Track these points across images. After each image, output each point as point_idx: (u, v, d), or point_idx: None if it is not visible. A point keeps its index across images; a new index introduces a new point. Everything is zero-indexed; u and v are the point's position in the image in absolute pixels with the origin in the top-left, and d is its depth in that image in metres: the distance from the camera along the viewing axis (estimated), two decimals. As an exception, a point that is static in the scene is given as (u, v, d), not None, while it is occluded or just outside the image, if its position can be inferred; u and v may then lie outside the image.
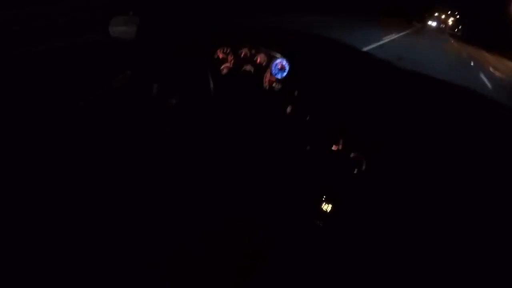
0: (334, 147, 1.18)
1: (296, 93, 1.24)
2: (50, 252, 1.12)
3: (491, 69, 13.58)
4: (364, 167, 1.15)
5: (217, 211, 1.34)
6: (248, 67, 1.38)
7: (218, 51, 1.43)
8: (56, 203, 1.24)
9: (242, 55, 1.39)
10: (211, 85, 1.41)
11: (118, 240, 1.20)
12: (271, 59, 1.32)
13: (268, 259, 1.20)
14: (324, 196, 1.25)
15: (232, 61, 1.41)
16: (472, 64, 13.33)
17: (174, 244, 1.24)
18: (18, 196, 1.21)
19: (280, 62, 1.29)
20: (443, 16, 70.07)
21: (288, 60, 1.28)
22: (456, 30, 59.45)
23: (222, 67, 1.43)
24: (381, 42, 9.61)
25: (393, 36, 12.42)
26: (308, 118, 1.21)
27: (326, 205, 1.25)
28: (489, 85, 9.05)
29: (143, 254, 1.18)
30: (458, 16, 63.76)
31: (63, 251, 1.13)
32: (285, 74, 1.28)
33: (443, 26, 64.24)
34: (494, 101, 1.16)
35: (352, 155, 1.16)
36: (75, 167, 1.33)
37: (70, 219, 1.21)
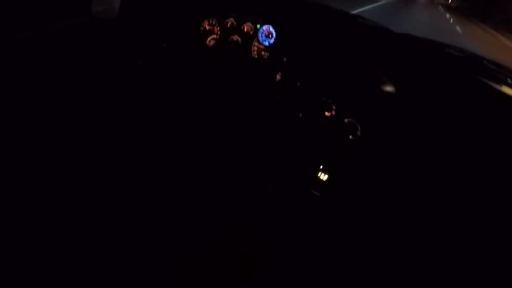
0: (327, 114, 1.14)
1: (284, 59, 1.19)
2: (48, 252, 1.11)
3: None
4: (359, 133, 1.11)
5: (213, 192, 1.32)
6: (235, 37, 1.32)
7: (204, 22, 1.37)
8: (48, 196, 1.22)
9: (228, 25, 1.34)
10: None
11: (115, 238, 1.19)
12: (257, 27, 1.26)
13: (267, 256, 1.18)
14: (320, 165, 1.22)
15: (219, 32, 1.36)
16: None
17: (173, 243, 1.22)
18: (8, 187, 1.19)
19: (267, 28, 1.23)
20: None
21: (275, 26, 1.22)
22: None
23: (209, 39, 1.37)
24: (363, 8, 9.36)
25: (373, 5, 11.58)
26: (298, 84, 1.16)
27: (323, 174, 1.22)
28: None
29: (143, 254, 1.16)
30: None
31: (61, 250, 1.12)
32: (272, 40, 1.23)
33: None
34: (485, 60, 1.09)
35: (346, 121, 1.12)
36: (66, 158, 1.30)
37: (64, 216, 1.20)
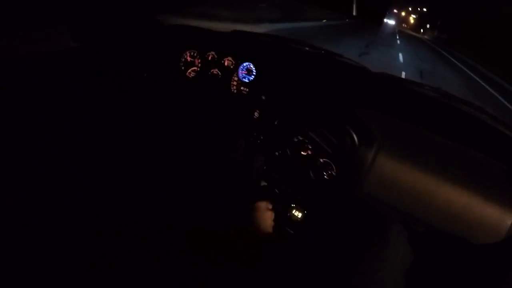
0: (303, 153, 1.15)
1: (263, 97, 1.21)
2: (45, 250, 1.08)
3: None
4: (333, 173, 1.13)
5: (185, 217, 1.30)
6: (216, 71, 1.33)
7: (185, 54, 1.38)
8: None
9: (209, 58, 1.35)
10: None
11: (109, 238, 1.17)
12: (238, 62, 1.28)
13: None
14: (294, 203, 1.23)
15: (200, 64, 1.37)
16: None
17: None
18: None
19: (247, 66, 1.26)
20: (403, 13, 57.38)
21: (255, 64, 1.24)
22: (422, 31, 46.11)
23: (189, 70, 1.38)
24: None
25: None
26: (276, 123, 1.18)
27: (297, 212, 1.23)
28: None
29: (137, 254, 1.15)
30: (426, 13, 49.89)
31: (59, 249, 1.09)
32: (252, 78, 1.25)
33: (405, 26, 52.15)
34: None
35: (321, 160, 1.14)
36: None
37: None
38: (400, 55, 11.58)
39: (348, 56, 1.42)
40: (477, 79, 12.24)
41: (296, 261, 1.18)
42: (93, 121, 1.35)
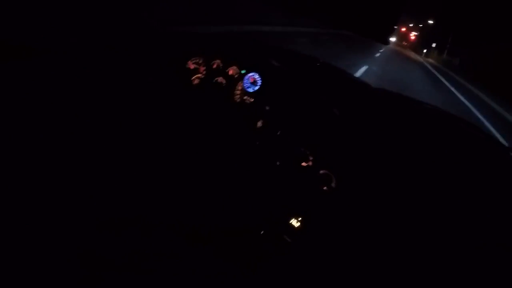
0: (303, 164, 1.18)
1: (267, 108, 1.23)
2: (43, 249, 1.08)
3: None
4: (333, 184, 1.16)
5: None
6: (220, 79, 1.36)
7: (189, 62, 1.40)
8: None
9: (214, 66, 1.37)
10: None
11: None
12: (243, 72, 1.31)
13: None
14: (293, 213, 1.25)
15: (204, 72, 1.39)
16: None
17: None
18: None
19: (252, 76, 1.28)
20: (403, 29, 48.47)
21: (261, 75, 1.27)
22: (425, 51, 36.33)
23: (193, 77, 1.40)
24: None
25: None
26: (278, 133, 1.20)
27: (295, 221, 1.25)
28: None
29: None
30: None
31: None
32: (257, 88, 1.27)
33: (405, 44, 44.57)
34: None
35: (321, 172, 1.17)
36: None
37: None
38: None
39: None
40: None
41: (292, 271, 1.21)
42: (96, 123, 1.36)
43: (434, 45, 31.81)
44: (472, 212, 1.03)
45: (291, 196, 1.24)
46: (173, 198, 1.32)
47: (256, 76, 1.28)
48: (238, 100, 1.32)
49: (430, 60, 28.93)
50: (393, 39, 41.78)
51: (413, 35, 46.38)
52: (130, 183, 1.31)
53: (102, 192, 1.27)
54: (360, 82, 1.35)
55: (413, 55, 30.86)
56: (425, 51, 34.30)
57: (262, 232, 1.25)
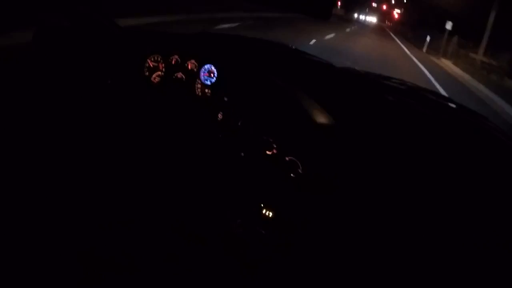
0: (268, 152, 1.15)
1: (225, 99, 1.20)
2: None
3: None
4: (300, 170, 1.12)
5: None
6: (180, 74, 1.32)
7: (148, 60, 1.37)
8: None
9: (173, 62, 1.34)
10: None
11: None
12: (200, 65, 1.27)
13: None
14: (264, 203, 1.22)
15: (164, 69, 1.36)
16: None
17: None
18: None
19: (208, 68, 1.25)
20: (384, 6, 35.78)
21: (216, 66, 1.23)
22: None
23: (154, 75, 1.37)
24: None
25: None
26: (239, 124, 1.17)
27: (267, 211, 1.22)
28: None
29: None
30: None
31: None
32: (214, 80, 1.24)
33: (389, 24, 32.80)
34: None
35: (287, 159, 1.13)
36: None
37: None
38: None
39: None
40: None
41: (267, 262, 1.18)
42: (60, 126, 1.35)
43: (449, 26, 14.89)
44: (464, 209, 0.99)
45: (259, 186, 1.21)
46: (142, 193, 1.31)
47: (212, 68, 1.24)
48: (199, 94, 1.29)
49: (455, 68, 12.05)
50: (372, 19, 32.61)
51: (396, 13, 33.86)
52: (101, 179, 1.30)
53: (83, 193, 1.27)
54: (323, 62, 1.31)
55: (401, 49, 16.19)
56: (428, 39, 16.60)
57: (235, 225, 1.23)
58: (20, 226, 1.13)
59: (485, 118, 1.30)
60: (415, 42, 19.74)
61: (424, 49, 16.79)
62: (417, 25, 23.94)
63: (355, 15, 27.59)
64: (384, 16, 36.58)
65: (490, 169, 1.01)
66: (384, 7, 36.55)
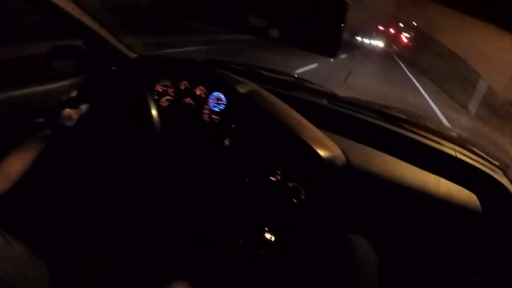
0: (272, 178, 1.20)
1: (233, 126, 1.25)
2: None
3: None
4: (303, 196, 1.17)
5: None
6: (188, 100, 1.38)
7: (157, 85, 1.42)
8: None
9: (182, 88, 1.39)
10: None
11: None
12: (209, 92, 1.33)
13: None
14: (267, 227, 1.26)
15: (173, 94, 1.41)
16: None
17: None
18: None
19: (217, 95, 1.30)
20: (392, 30, 30.99)
21: (225, 93, 1.29)
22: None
23: (163, 99, 1.42)
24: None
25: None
26: (245, 150, 1.22)
27: (269, 235, 1.26)
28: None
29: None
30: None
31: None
32: (222, 107, 1.29)
33: (395, 49, 29.50)
34: None
35: (290, 185, 1.18)
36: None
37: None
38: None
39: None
40: None
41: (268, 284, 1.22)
42: (69, 152, 1.38)
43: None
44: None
45: (262, 210, 1.25)
46: (149, 213, 1.34)
47: (221, 96, 1.30)
48: (207, 120, 1.34)
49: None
50: (379, 43, 29.53)
51: (404, 37, 30.12)
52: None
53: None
54: (328, 92, 1.38)
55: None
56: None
57: (239, 249, 1.27)
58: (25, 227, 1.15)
59: None
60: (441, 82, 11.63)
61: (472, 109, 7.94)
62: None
63: (359, 38, 26.57)
64: (391, 41, 32.19)
65: None
66: (392, 30, 31.86)
